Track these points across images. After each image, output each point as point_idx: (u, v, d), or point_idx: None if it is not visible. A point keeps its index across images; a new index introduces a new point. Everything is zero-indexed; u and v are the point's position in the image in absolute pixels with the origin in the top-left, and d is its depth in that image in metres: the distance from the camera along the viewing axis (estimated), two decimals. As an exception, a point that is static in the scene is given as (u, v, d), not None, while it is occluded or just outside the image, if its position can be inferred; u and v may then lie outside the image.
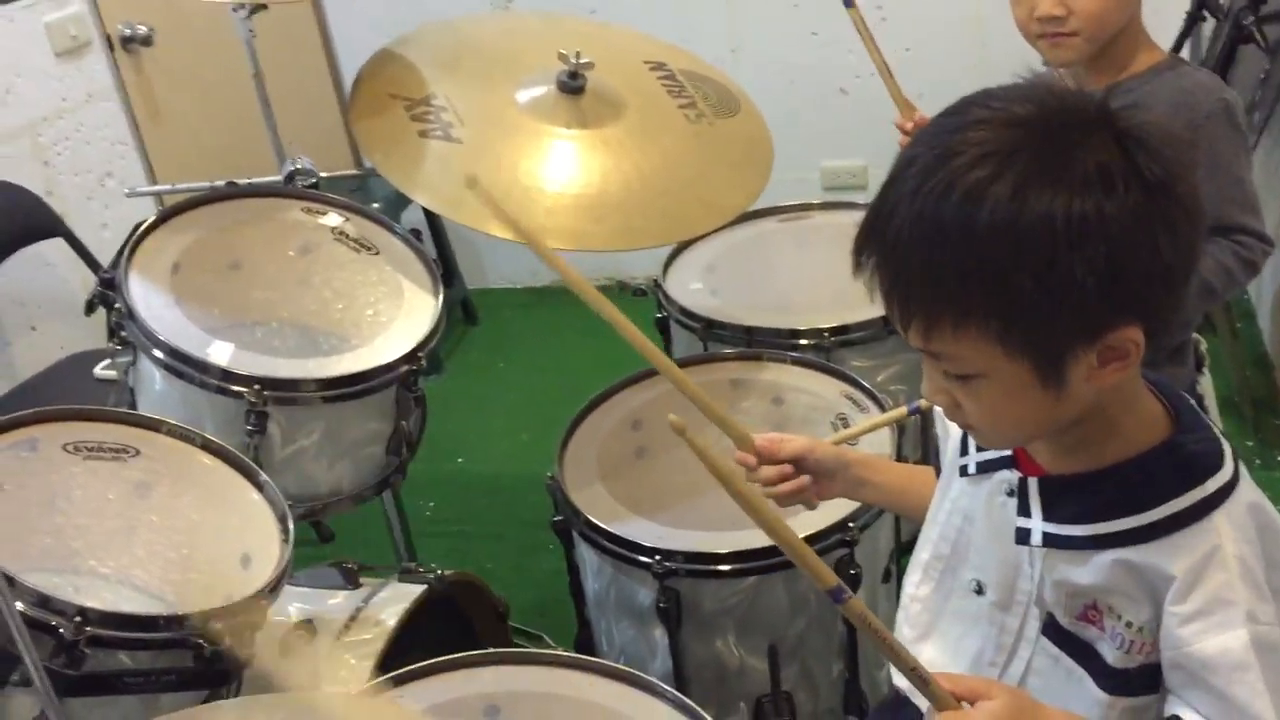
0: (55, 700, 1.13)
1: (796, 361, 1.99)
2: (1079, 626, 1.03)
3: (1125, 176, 0.86)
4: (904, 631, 1.21)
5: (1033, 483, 1.04)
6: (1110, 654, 1.01)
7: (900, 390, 2.07)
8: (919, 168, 0.91)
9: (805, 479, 1.32)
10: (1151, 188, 0.87)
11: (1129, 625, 0.98)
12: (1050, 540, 1.02)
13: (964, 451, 1.13)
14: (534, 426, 3.28)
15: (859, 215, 2.52)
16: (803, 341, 2.05)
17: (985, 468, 1.10)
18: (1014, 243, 0.86)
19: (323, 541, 2.77)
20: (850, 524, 1.68)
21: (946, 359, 0.95)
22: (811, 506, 1.38)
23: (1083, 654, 1.04)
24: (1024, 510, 1.04)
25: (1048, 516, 1.02)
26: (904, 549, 2.05)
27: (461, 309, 3.82)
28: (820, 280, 2.24)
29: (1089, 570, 0.99)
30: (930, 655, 1.17)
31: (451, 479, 3.10)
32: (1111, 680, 1.01)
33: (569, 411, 1.94)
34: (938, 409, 1.11)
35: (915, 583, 1.20)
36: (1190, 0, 2.90)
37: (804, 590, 1.71)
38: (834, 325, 2.04)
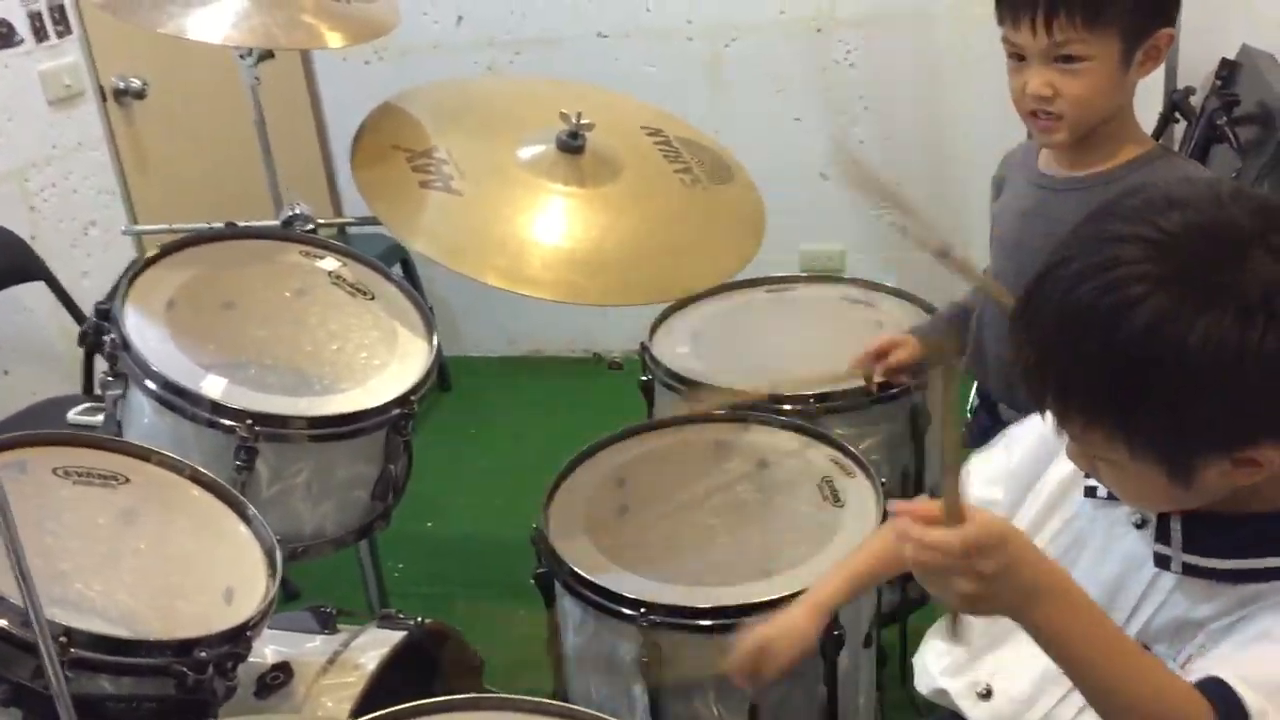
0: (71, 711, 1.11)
1: (782, 425, 2.01)
2: (1173, 663, 1.03)
3: (1267, 313, 0.87)
4: (972, 635, 1.21)
5: (1175, 516, 1.04)
6: None
7: (881, 460, 2.09)
8: (1076, 270, 0.93)
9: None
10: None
11: (1201, 646, 1.01)
12: (1190, 570, 1.03)
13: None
14: (506, 492, 3.27)
15: (844, 289, 2.60)
16: (787, 407, 2.07)
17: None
18: (1148, 367, 0.89)
19: (287, 599, 2.75)
20: (834, 584, 1.68)
21: (1079, 443, 1.00)
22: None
23: None
24: (1163, 538, 1.05)
25: (1188, 548, 1.03)
26: (885, 619, 2.05)
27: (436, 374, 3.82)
28: (805, 350, 2.27)
29: (1215, 604, 1.01)
30: (997, 665, 1.19)
31: (421, 541, 3.08)
32: None
33: (542, 478, 1.94)
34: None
35: None
36: (1163, 102, 3.00)
37: (786, 649, 1.71)
38: (818, 392, 2.06)
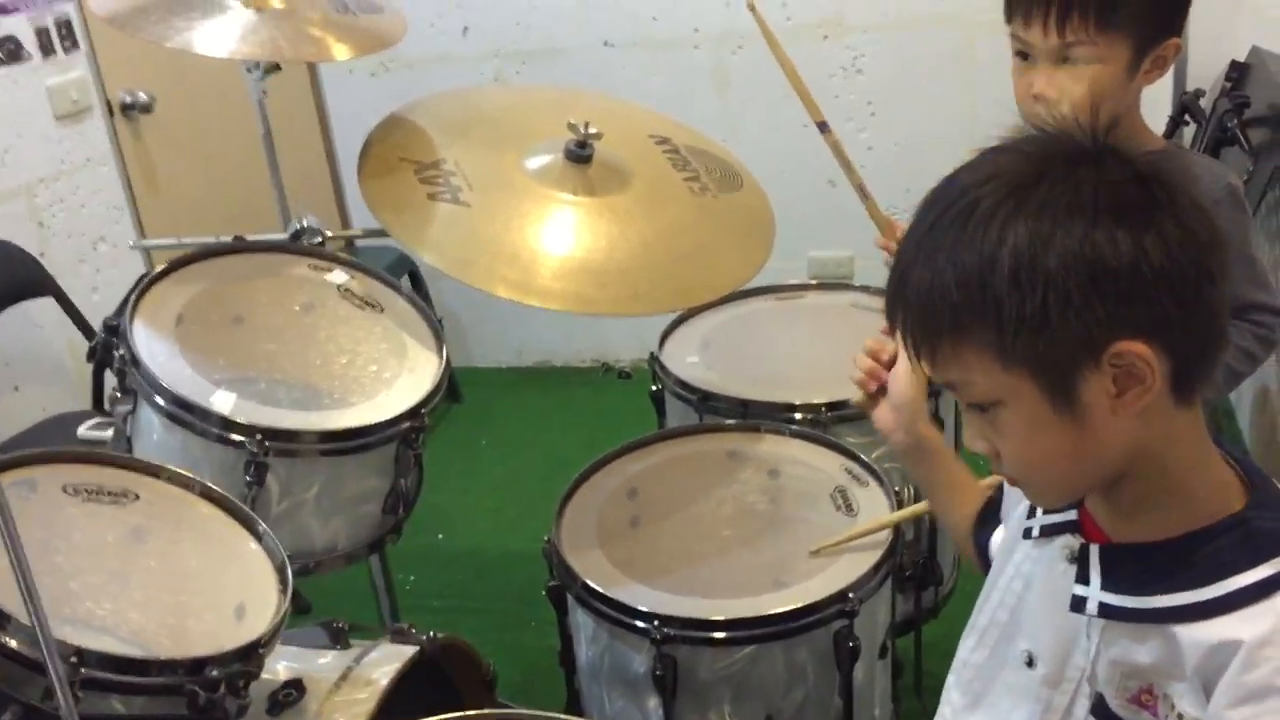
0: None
1: (795, 434, 2.00)
2: (1131, 711, 0.99)
3: (1096, 190, 0.88)
4: (954, 696, 1.19)
5: (1094, 549, 1.01)
6: None
7: (894, 468, 2.08)
8: (924, 206, 0.97)
9: (878, 380, 1.43)
10: (1128, 200, 0.88)
11: (1180, 717, 0.95)
12: (1106, 611, 0.99)
13: (1031, 513, 1.11)
14: (516, 504, 3.26)
15: (853, 296, 2.59)
16: (798, 416, 2.06)
17: (1049, 531, 1.07)
18: (989, 254, 0.89)
19: (299, 613, 2.74)
20: (850, 594, 1.67)
21: (959, 386, 0.96)
22: (860, 402, 1.48)
23: None
24: (1083, 577, 1.01)
25: (1106, 586, 0.99)
26: (899, 629, 2.04)
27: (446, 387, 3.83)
28: (815, 358, 2.26)
29: (1148, 649, 0.96)
30: None
31: (432, 554, 3.07)
32: None
33: (552, 490, 1.93)
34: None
35: (970, 647, 1.17)
36: (1173, 104, 2.99)
37: (802, 661, 1.70)
38: (830, 400, 2.05)
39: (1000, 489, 1.31)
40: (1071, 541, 1.04)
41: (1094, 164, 0.91)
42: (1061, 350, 0.89)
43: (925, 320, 0.94)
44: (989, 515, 1.33)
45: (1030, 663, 1.08)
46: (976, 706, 1.16)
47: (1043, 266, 0.87)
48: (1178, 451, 0.96)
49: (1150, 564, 0.97)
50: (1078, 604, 1.00)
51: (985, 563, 1.30)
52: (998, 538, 1.29)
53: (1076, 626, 1.03)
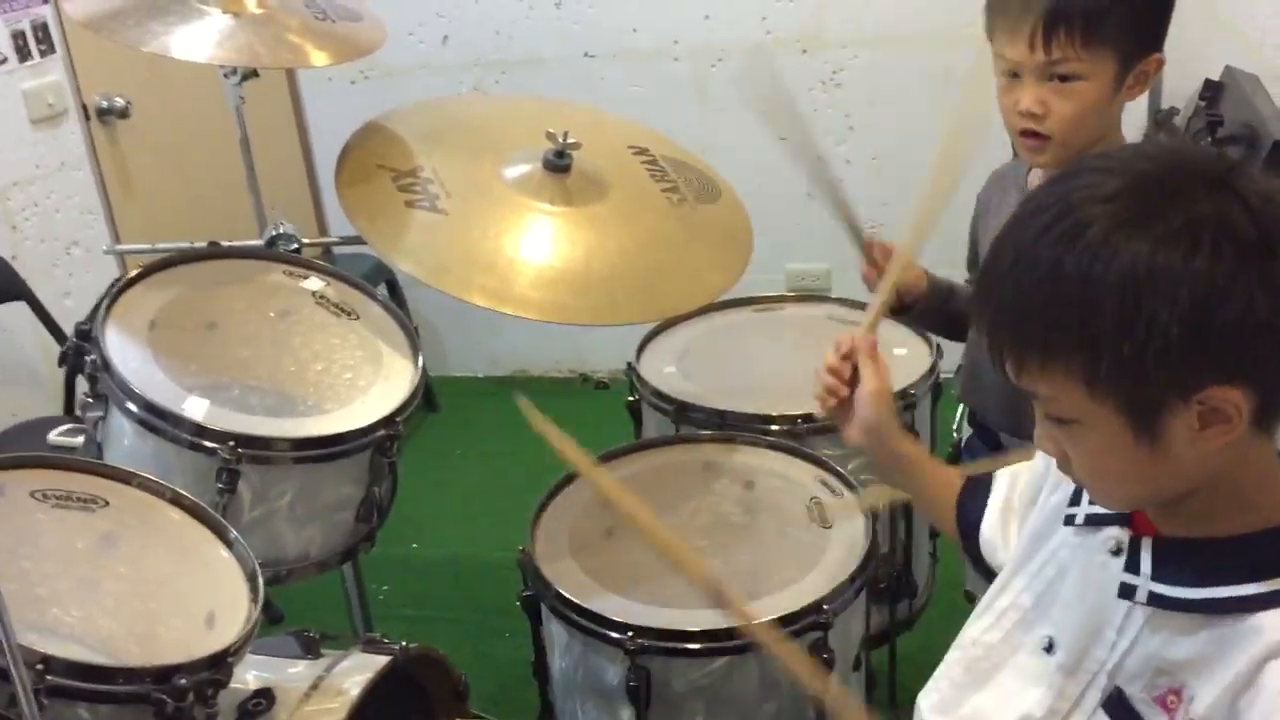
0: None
1: (771, 445, 2.00)
2: (1152, 709, 0.98)
3: (1216, 233, 0.85)
4: (955, 672, 1.18)
5: (1146, 541, 1.00)
6: None
7: (871, 480, 2.08)
8: (1031, 208, 0.93)
9: (838, 397, 1.37)
10: (1246, 245, 0.86)
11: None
12: (1156, 600, 0.98)
13: (1074, 501, 1.10)
14: (491, 513, 3.24)
15: (830, 308, 2.59)
16: (775, 427, 2.06)
17: (1094, 521, 1.06)
18: (1095, 286, 0.87)
19: (271, 623, 2.72)
20: (824, 606, 1.67)
21: (1042, 400, 0.95)
22: (827, 415, 1.42)
23: None
24: (1132, 567, 1.00)
25: (1157, 576, 0.99)
26: (873, 642, 2.04)
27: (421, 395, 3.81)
28: (792, 370, 2.25)
29: (1193, 642, 0.95)
30: (979, 704, 1.15)
31: (406, 563, 3.06)
32: None
33: (528, 499, 1.92)
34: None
35: (984, 628, 1.16)
36: (1147, 122, 3.01)
37: (775, 673, 1.70)
38: (806, 412, 2.05)
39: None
40: (1120, 534, 1.03)
41: (1213, 197, 0.87)
42: (1152, 391, 0.89)
43: (1015, 334, 0.93)
44: (972, 492, 1.33)
45: (1049, 649, 1.08)
46: (982, 686, 1.15)
47: (1147, 311, 0.85)
48: (1250, 470, 0.95)
49: (1205, 557, 0.96)
50: (1126, 591, 1.00)
51: (970, 542, 1.31)
52: (990, 519, 1.29)
53: (1105, 619, 1.02)
